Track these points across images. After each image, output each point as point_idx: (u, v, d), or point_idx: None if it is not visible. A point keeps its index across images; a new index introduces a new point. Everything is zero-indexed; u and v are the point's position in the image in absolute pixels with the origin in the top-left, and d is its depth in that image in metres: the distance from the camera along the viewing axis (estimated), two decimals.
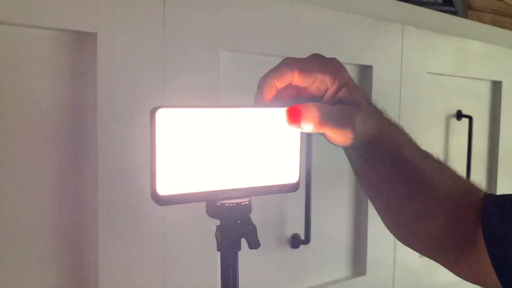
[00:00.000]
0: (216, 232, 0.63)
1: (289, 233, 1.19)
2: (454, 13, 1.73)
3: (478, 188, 0.84)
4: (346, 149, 0.78)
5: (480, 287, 0.87)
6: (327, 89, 0.69)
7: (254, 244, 0.63)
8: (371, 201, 0.84)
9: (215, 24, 0.99)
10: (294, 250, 1.20)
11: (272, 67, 0.67)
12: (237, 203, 0.62)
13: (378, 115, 0.74)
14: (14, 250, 0.82)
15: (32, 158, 0.82)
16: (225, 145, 0.60)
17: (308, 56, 0.70)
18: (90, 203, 0.87)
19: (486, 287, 0.84)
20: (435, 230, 0.82)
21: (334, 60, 0.70)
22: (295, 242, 1.19)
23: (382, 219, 0.85)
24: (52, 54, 0.83)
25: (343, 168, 1.28)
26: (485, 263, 0.78)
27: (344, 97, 0.69)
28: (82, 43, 0.85)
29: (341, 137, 0.68)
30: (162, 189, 0.57)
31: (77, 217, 0.87)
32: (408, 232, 0.85)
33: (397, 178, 0.78)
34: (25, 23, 0.78)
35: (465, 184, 0.83)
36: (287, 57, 0.68)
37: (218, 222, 0.63)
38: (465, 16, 1.81)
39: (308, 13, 1.15)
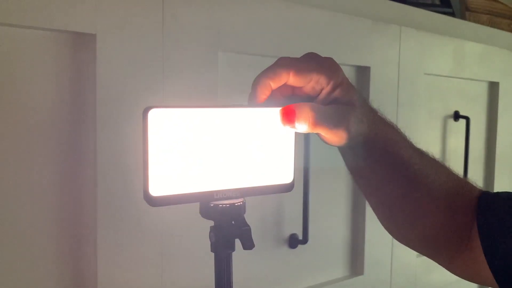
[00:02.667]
0: (210, 233, 0.63)
1: (287, 233, 1.19)
2: (452, 14, 1.73)
3: (474, 185, 0.84)
4: (341, 149, 0.78)
5: (476, 284, 0.88)
6: (322, 89, 0.69)
7: (248, 244, 0.63)
8: (367, 200, 0.85)
9: (214, 26, 0.99)
10: (292, 250, 1.20)
11: (267, 67, 0.66)
12: (231, 204, 0.62)
13: (373, 114, 0.74)
14: (13, 250, 0.82)
15: (31, 158, 0.82)
16: (218, 145, 0.60)
17: (304, 55, 0.70)
18: (89, 203, 0.87)
19: (481, 284, 0.85)
20: (431, 228, 0.82)
21: (329, 60, 0.70)
22: (293, 242, 1.20)
23: (378, 218, 0.85)
24: (51, 55, 0.83)
25: (341, 167, 1.27)
26: (480, 260, 0.78)
27: (339, 97, 0.69)
28: (81, 44, 0.85)
29: (335, 137, 0.68)
30: (155, 190, 0.57)
31: (76, 217, 0.87)
32: (403, 230, 0.85)
33: (392, 177, 0.78)
34: (24, 24, 0.79)
35: (461, 182, 0.84)
36: (282, 57, 0.67)
37: (212, 223, 0.63)
38: (462, 17, 1.82)
39: (306, 15, 1.16)
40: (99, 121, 0.85)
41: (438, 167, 0.81)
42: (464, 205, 0.82)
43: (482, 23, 1.83)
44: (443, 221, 0.81)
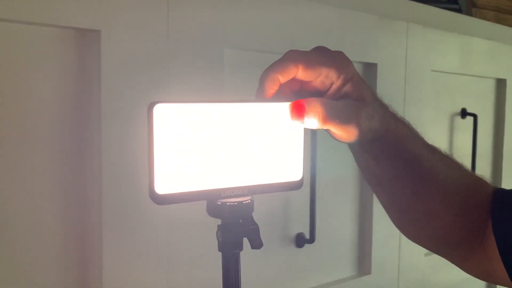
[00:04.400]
0: (217, 232, 0.61)
1: (293, 232, 1.18)
2: (458, 10, 1.72)
3: (487, 182, 0.83)
4: (351, 146, 0.76)
5: (488, 283, 0.86)
6: (332, 84, 0.67)
7: (256, 244, 0.61)
8: (377, 198, 0.83)
9: (219, 22, 0.98)
10: (298, 249, 1.19)
11: (275, 60, 0.65)
12: (238, 202, 0.60)
13: (384, 110, 0.72)
14: (18, 250, 0.81)
15: (35, 156, 0.82)
16: (225, 142, 0.58)
17: (313, 49, 0.68)
18: (94, 201, 0.86)
19: (495, 283, 0.83)
20: (443, 226, 0.81)
21: (340, 54, 0.68)
22: (300, 241, 1.19)
23: (389, 216, 0.84)
24: (56, 52, 0.83)
25: (349, 166, 1.27)
26: (495, 258, 0.77)
27: (349, 92, 0.67)
28: (86, 41, 0.85)
29: (346, 133, 0.66)
30: (161, 188, 0.55)
31: (81, 216, 0.87)
32: (415, 229, 0.84)
33: (403, 174, 0.77)
34: (29, 21, 0.78)
35: (473, 179, 0.82)
36: (291, 50, 0.66)
37: (219, 222, 0.62)
38: (469, 13, 1.81)
39: (312, 11, 1.15)
40: (104, 118, 0.84)
41: (451, 164, 0.80)
42: (478, 203, 0.80)
43: (489, 20, 1.82)
44: (456, 219, 0.80)
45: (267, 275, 1.14)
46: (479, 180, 0.82)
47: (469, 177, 0.82)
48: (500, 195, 0.80)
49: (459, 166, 0.81)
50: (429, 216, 0.80)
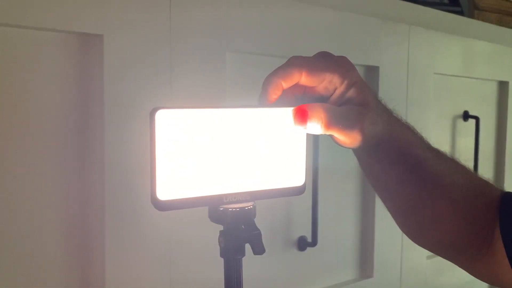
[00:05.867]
0: (219, 237, 0.61)
1: (296, 235, 1.18)
2: (461, 13, 1.72)
3: (494, 186, 0.82)
4: (356, 151, 0.76)
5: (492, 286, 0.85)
6: (335, 89, 0.67)
7: (258, 250, 0.61)
8: (383, 203, 0.83)
9: (221, 26, 0.98)
10: (301, 252, 1.19)
11: (279, 66, 0.65)
12: (240, 208, 0.60)
13: (388, 115, 0.72)
14: (22, 250, 0.81)
15: (38, 160, 0.82)
16: (228, 147, 0.58)
17: (316, 54, 0.68)
18: (97, 204, 0.86)
19: (502, 287, 0.83)
20: (450, 231, 0.80)
21: (343, 59, 0.68)
22: (302, 244, 1.19)
23: (395, 221, 0.83)
24: (58, 56, 0.83)
25: (351, 169, 1.27)
26: (503, 263, 0.76)
27: (353, 97, 0.67)
28: (88, 45, 0.85)
29: (350, 139, 0.66)
30: (162, 194, 0.55)
31: (84, 219, 0.87)
32: (422, 234, 0.83)
33: (408, 179, 0.76)
34: (31, 25, 0.78)
35: (480, 183, 0.81)
36: (294, 56, 0.66)
37: (221, 227, 0.62)
38: (471, 16, 1.80)
39: (314, 14, 1.14)
40: (106, 123, 0.84)
41: (457, 168, 0.79)
42: (485, 207, 0.79)
43: (491, 22, 1.81)
44: (462, 224, 0.79)
45: (269, 278, 1.14)
46: (486, 184, 0.82)
47: (476, 180, 0.81)
48: (508, 198, 0.80)
49: (465, 170, 0.80)
50: (435, 220, 0.79)
